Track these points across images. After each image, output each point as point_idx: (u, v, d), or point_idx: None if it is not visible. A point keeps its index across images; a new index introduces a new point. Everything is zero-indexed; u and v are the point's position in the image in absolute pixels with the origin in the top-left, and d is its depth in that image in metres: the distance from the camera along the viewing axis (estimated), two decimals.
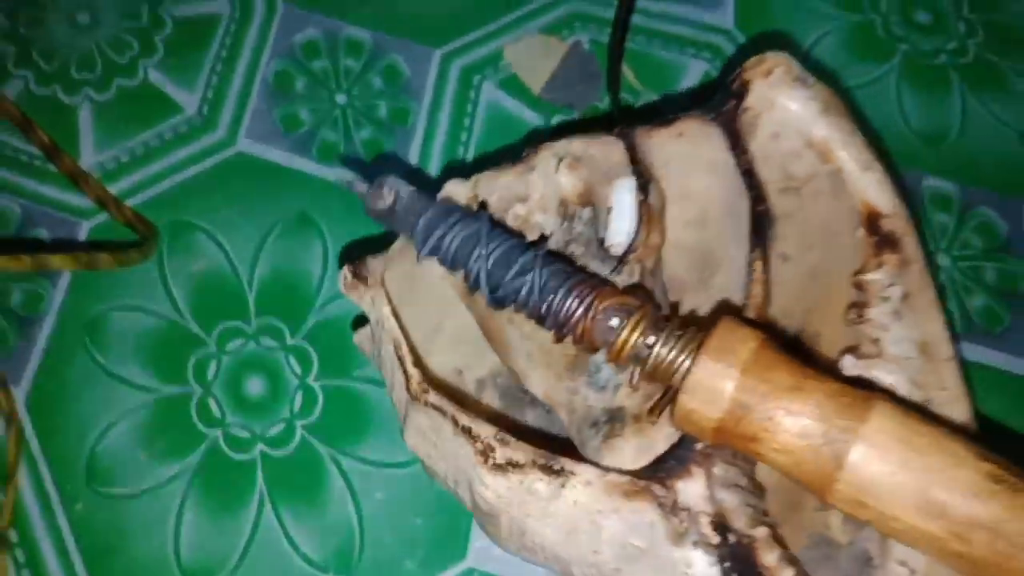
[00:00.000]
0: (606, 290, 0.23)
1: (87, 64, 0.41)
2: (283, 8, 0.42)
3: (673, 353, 0.21)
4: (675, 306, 0.23)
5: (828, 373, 0.21)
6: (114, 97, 0.41)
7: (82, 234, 0.38)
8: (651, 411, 0.23)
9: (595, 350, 0.23)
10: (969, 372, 0.31)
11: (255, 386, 0.36)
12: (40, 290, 0.37)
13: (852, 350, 0.24)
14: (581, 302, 0.23)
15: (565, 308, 0.23)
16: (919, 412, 0.20)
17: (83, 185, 0.39)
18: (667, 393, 0.22)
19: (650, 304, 0.23)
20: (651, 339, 0.22)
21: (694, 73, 0.42)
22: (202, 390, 0.35)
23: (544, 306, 0.23)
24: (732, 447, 0.21)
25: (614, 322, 0.22)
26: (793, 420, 0.20)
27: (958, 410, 0.22)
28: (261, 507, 0.34)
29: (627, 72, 0.41)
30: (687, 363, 0.21)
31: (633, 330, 0.22)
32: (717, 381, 0.20)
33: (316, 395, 0.35)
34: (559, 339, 0.23)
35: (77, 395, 0.35)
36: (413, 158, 0.40)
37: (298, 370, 0.36)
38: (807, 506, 0.26)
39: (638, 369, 0.22)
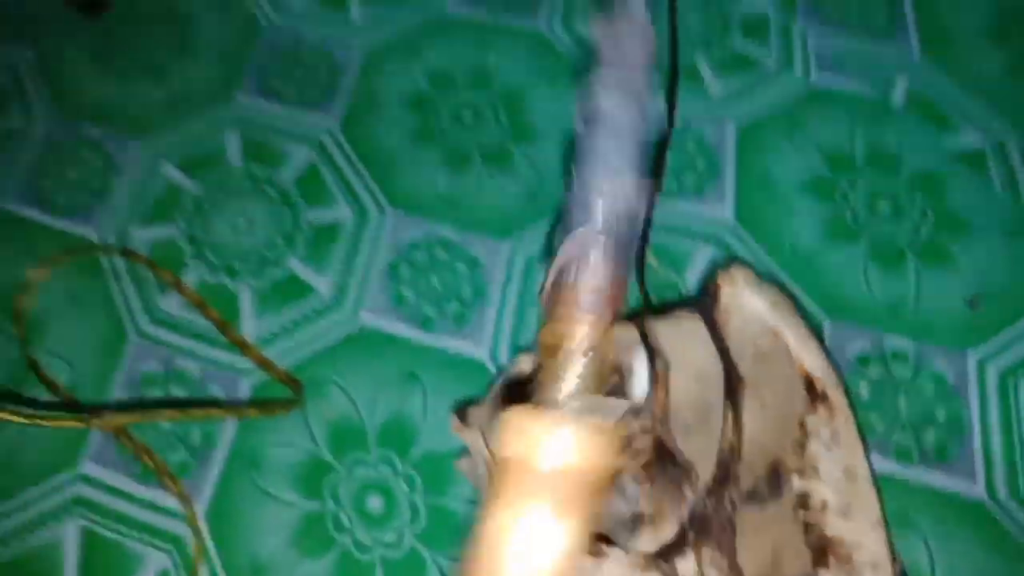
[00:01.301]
0: None
1: (245, 258, 0.52)
2: (392, 214, 0.54)
3: None
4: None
5: None
6: (267, 283, 0.51)
7: (245, 388, 0.48)
8: None
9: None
10: (917, 494, 0.39)
11: (375, 503, 0.44)
12: (213, 430, 0.47)
13: (800, 472, 0.34)
14: None
15: None
16: None
17: (246, 351, 0.49)
18: None
19: None
20: None
21: (703, 257, 0.52)
22: (335, 506, 0.45)
23: None
24: None
25: None
26: None
27: (868, 507, 0.32)
28: None
29: (652, 260, 0.52)
30: None
31: None
32: None
33: (421, 510, 0.44)
34: None
35: (243, 509, 0.44)
36: (488, 325, 0.50)
37: (407, 490, 0.45)
38: None
39: None
